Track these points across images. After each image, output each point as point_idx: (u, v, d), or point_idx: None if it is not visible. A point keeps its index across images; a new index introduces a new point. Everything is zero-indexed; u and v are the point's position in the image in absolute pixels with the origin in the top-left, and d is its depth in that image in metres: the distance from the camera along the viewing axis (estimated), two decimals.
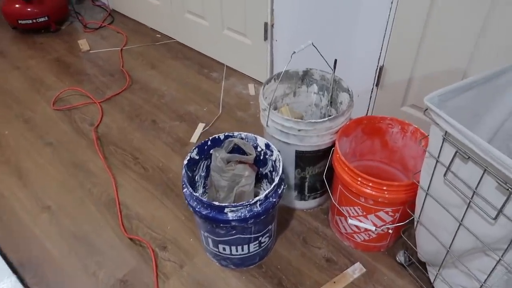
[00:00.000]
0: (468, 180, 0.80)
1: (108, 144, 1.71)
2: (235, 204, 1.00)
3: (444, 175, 0.85)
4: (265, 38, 1.81)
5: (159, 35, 2.47)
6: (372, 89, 1.54)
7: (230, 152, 1.22)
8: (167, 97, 1.97)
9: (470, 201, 0.81)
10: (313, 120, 1.12)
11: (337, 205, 1.21)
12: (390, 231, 1.18)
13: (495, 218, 0.76)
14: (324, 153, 1.22)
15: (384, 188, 1.05)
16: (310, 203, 1.40)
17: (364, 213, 1.14)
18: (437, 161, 0.87)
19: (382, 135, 1.27)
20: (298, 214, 1.41)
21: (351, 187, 1.10)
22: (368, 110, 1.61)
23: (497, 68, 0.91)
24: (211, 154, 1.21)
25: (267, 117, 1.18)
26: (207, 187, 1.29)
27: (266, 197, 1.04)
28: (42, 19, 2.40)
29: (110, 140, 1.73)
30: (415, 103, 1.44)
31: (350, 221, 1.18)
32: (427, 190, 0.94)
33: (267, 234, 1.17)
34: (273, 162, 1.19)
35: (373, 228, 1.16)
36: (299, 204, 1.40)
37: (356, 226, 1.19)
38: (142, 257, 1.28)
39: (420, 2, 1.23)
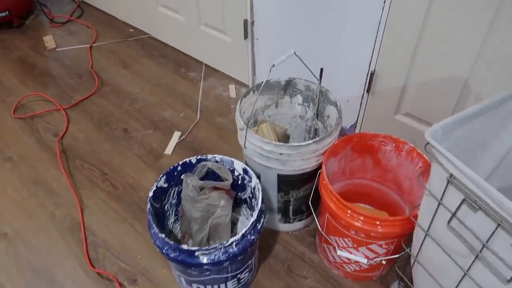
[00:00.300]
0: (477, 231, 0.67)
1: (74, 157, 1.55)
2: (207, 248, 0.87)
3: (449, 222, 0.72)
4: (245, 37, 1.64)
5: (132, 30, 2.28)
6: (363, 95, 1.40)
7: (203, 177, 1.08)
8: (140, 101, 1.80)
9: (478, 254, 0.68)
10: (296, 144, 0.97)
11: (324, 234, 1.09)
12: (384, 262, 1.06)
13: (510, 280, 0.64)
14: (310, 176, 1.09)
15: (378, 223, 0.92)
16: (296, 225, 1.27)
17: (355, 245, 1.02)
18: (439, 204, 0.74)
19: (375, 153, 1.14)
20: (283, 237, 1.28)
21: (339, 218, 0.97)
22: (358, 117, 1.47)
23: (505, 93, 0.77)
24: (182, 179, 1.07)
25: (244, 138, 1.04)
26: (179, 214, 1.15)
27: (244, 236, 0.91)
28: (2, 14, 2.19)
29: (76, 153, 1.57)
30: (409, 112, 1.31)
31: (339, 252, 1.05)
32: (427, 231, 0.81)
33: (247, 270, 1.04)
34: (252, 189, 1.05)
35: (365, 261, 1.03)
36: (284, 227, 1.27)
37: (346, 257, 1.06)
38: None
39: (418, 0, 1.08)
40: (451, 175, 0.67)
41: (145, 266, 1.21)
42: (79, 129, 1.68)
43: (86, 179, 1.47)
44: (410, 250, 0.95)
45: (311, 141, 0.98)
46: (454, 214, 0.70)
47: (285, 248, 1.25)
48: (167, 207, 1.09)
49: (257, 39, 1.64)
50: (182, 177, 1.07)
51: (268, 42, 1.61)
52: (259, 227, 0.95)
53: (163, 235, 0.90)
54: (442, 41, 1.10)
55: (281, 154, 1.00)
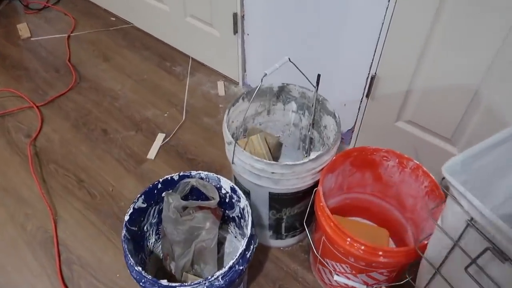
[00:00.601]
0: (502, 283, 0.58)
1: (48, 161, 1.43)
2: (190, 284, 0.77)
3: (467, 267, 0.63)
4: (235, 31, 1.51)
5: (113, 18, 2.12)
6: (362, 99, 1.29)
7: (186, 194, 0.98)
8: (122, 99, 1.67)
9: None
10: (290, 163, 0.87)
11: (319, 257, 0.99)
12: (384, 287, 0.98)
13: None
14: (305, 194, 0.99)
15: (380, 253, 0.83)
16: (288, 242, 1.18)
17: (353, 272, 0.93)
18: (455, 244, 0.65)
19: (375, 168, 1.04)
20: (274, 253, 1.19)
21: (338, 245, 0.88)
22: (356, 122, 1.37)
23: None
24: (163, 197, 0.96)
25: (232, 153, 0.93)
26: (160, 235, 1.04)
27: (231, 267, 0.81)
28: None
29: (50, 157, 1.44)
30: (412, 119, 1.21)
31: (336, 277, 0.97)
32: (438, 269, 0.72)
33: None
34: (240, 209, 0.95)
35: (364, 287, 0.95)
36: (275, 243, 1.18)
37: (344, 283, 0.98)
38: None
39: (427, 1, 0.97)
40: (472, 218, 0.58)
41: (124, 287, 1.11)
42: (53, 129, 1.55)
43: (61, 186, 1.36)
44: (412, 279, 0.87)
45: (307, 159, 0.88)
46: (474, 261, 0.61)
47: (277, 265, 1.16)
48: (147, 228, 0.99)
49: (248, 34, 1.51)
50: (163, 194, 0.96)
51: (259, 37, 1.49)
52: (248, 255, 0.85)
53: (140, 268, 0.79)
54: (452, 46, 0.99)
55: (273, 173, 0.89)
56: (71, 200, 1.32)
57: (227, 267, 0.79)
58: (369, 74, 1.22)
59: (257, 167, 0.89)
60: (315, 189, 0.99)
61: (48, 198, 1.31)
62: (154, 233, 1.02)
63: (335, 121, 0.98)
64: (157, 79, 1.76)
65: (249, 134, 1.12)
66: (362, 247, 0.83)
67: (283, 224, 1.09)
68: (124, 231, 0.86)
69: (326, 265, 0.99)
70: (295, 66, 0.92)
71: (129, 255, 0.81)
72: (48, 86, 1.72)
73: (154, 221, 1.00)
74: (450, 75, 1.04)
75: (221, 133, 1.53)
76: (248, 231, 0.85)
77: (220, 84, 1.72)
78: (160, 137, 1.51)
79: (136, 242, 0.93)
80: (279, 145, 1.19)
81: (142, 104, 1.65)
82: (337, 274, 0.97)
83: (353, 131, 1.41)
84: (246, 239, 0.84)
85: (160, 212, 0.99)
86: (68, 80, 1.75)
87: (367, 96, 1.26)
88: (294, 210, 1.04)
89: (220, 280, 0.80)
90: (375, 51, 1.16)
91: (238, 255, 0.81)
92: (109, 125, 1.56)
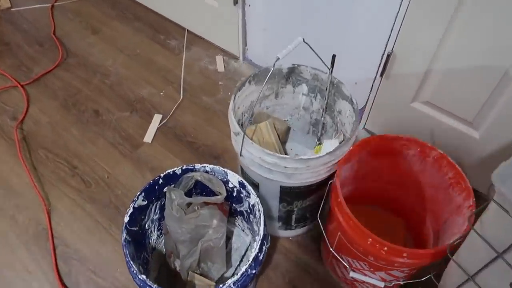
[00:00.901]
0: None
1: (37, 146, 1.33)
2: None
3: None
4: (235, 2, 1.38)
5: None
6: (375, 78, 1.20)
7: (190, 189, 0.89)
8: (113, 76, 1.55)
9: None
10: (305, 157, 0.79)
11: (333, 252, 0.93)
12: (402, 282, 0.93)
13: None
14: (318, 186, 0.92)
15: (405, 254, 0.76)
16: (297, 231, 1.12)
17: (372, 269, 0.87)
18: (498, 257, 0.58)
19: (394, 156, 0.96)
20: (283, 244, 1.13)
21: (357, 244, 0.81)
22: (367, 101, 1.28)
23: None
24: (165, 192, 0.88)
25: (241, 145, 0.84)
26: (163, 231, 0.97)
27: (243, 274, 0.74)
28: None
29: (39, 141, 1.34)
30: (430, 100, 1.12)
31: (352, 274, 0.91)
32: (472, 277, 0.66)
33: None
34: (250, 206, 0.88)
35: (382, 284, 0.89)
36: (284, 233, 1.12)
37: (360, 279, 0.92)
38: None
39: None
40: None
41: (125, 283, 1.05)
42: (41, 110, 1.44)
43: (52, 173, 1.27)
44: (434, 276, 0.82)
45: (325, 153, 0.79)
46: None
47: (286, 257, 1.11)
48: (148, 225, 0.91)
49: (249, 6, 1.38)
50: (165, 190, 0.88)
51: (261, 8, 1.36)
52: (261, 257, 0.78)
53: (144, 277, 0.72)
54: (483, 23, 0.89)
55: (285, 167, 0.81)
56: (64, 189, 1.23)
57: (239, 274, 0.73)
58: (384, 51, 1.12)
59: (268, 161, 0.81)
60: (330, 182, 0.92)
61: (39, 187, 1.23)
62: (156, 229, 0.95)
63: (352, 107, 0.89)
64: (151, 53, 1.64)
65: (255, 120, 1.03)
66: (385, 248, 0.77)
67: (294, 216, 1.02)
68: (124, 234, 0.78)
69: (341, 260, 0.93)
70: (310, 47, 0.82)
71: (131, 262, 0.74)
72: (33, 62, 1.59)
73: (156, 217, 0.92)
74: (478, 55, 0.94)
75: (221, 113, 1.44)
76: (261, 232, 0.78)
77: (219, 59, 1.60)
78: (156, 118, 1.41)
79: (137, 242, 0.86)
80: (288, 130, 1.10)
81: (136, 82, 1.53)
82: (353, 271, 0.91)
83: (363, 111, 1.32)
84: (259, 242, 0.77)
85: (162, 207, 0.92)
86: (53, 56, 1.62)
87: (382, 74, 1.17)
88: (306, 202, 0.97)
89: (232, 286, 0.73)
90: (393, 25, 1.06)
91: (251, 259, 0.75)
92: (100, 105, 1.45)
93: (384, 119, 1.28)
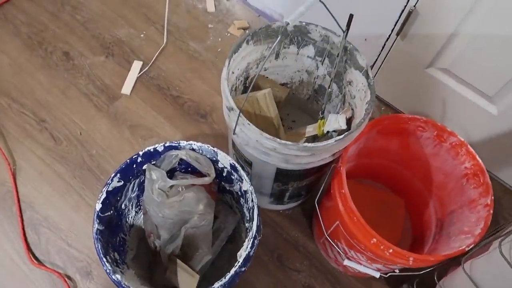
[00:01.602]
0: None
1: None
2: None
3: None
4: None
5: None
6: (390, 36, 1.04)
7: (172, 168, 0.78)
8: (85, 10, 1.34)
9: None
10: (310, 144, 0.67)
11: (329, 238, 0.86)
12: (397, 271, 0.87)
13: None
14: (320, 168, 0.81)
15: (411, 259, 0.69)
16: (288, 205, 1.04)
17: (369, 262, 0.81)
18: None
19: (404, 137, 0.85)
20: (273, 217, 1.05)
21: (358, 241, 0.73)
22: (376, 61, 1.13)
23: None
24: (144, 169, 0.76)
25: (235, 123, 0.71)
26: (142, 211, 0.87)
27: (232, 275, 0.66)
28: None
29: (1, 87, 1.17)
30: (448, 68, 0.99)
31: (346, 262, 0.85)
32: None
33: None
34: (242, 190, 0.77)
35: (377, 274, 0.84)
36: (274, 207, 1.03)
37: (354, 268, 0.86)
38: None
39: None
40: None
41: None
42: (1, 49, 1.24)
43: (17, 127, 1.12)
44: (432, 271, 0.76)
45: (333, 140, 0.68)
46: None
47: (275, 232, 1.03)
48: (125, 204, 0.81)
49: None
50: (144, 167, 0.76)
51: None
52: (251, 253, 0.70)
53: (118, 277, 0.63)
54: None
55: (286, 154, 0.70)
56: (31, 145, 1.10)
57: (228, 277, 0.64)
58: (405, 6, 0.95)
59: (268, 146, 0.69)
60: (333, 165, 0.81)
61: (2, 142, 1.09)
62: (134, 206, 0.85)
63: (367, 82, 0.76)
64: None
65: (250, 84, 0.89)
66: (390, 250, 0.69)
67: (287, 194, 0.93)
68: (96, 225, 0.68)
69: (336, 247, 0.86)
70: (326, 8, 0.66)
71: (104, 259, 0.64)
72: None
73: (133, 195, 0.81)
74: None
75: (211, 63, 1.28)
76: (253, 231, 0.69)
77: None
78: (136, 65, 1.24)
79: (113, 225, 0.76)
80: (287, 97, 0.97)
81: (112, 19, 1.33)
82: (348, 259, 0.85)
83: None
84: (250, 240, 0.68)
85: (140, 184, 0.80)
86: None
87: (398, 33, 1.01)
88: (303, 183, 0.87)
89: None
90: None
91: (242, 260, 0.66)
92: (71, 46, 1.26)
93: (392, 83, 1.15)
